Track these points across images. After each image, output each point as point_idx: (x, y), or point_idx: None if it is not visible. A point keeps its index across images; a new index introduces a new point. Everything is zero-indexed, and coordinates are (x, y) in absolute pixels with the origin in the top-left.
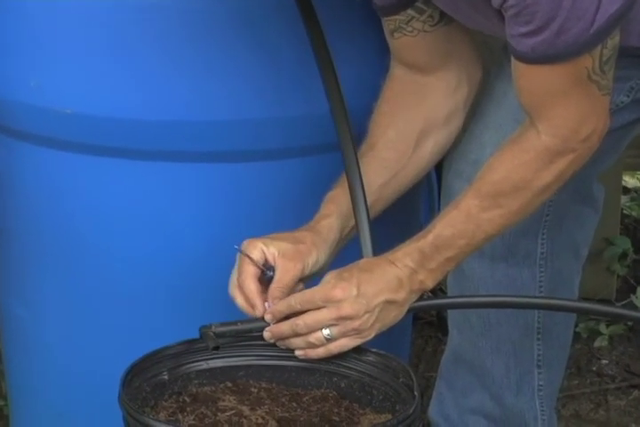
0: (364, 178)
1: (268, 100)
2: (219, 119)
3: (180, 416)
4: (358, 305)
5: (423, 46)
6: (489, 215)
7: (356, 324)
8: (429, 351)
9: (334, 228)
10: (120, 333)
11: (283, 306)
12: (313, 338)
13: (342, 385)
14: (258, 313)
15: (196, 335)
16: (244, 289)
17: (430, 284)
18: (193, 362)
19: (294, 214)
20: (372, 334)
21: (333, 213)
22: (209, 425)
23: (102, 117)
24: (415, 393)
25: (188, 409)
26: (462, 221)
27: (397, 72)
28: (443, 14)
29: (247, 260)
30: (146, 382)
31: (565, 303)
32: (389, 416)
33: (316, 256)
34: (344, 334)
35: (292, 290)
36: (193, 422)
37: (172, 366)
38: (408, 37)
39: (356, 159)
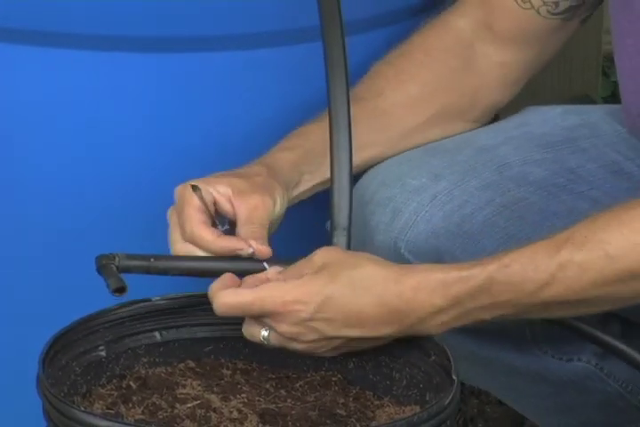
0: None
1: None
2: None
3: (122, 408)
4: (305, 329)
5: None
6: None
7: (298, 346)
8: None
9: (296, 164)
10: (37, 288)
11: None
12: (247, 333)
13: (350, 366)
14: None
15: (147, 294)
16: (194, 238)
17: (436, 332)
18: (141, 332)
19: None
20: (334, 354)
21: (297, 148)
22: (164, 421)
23: None
24: (453, 377)
25: (134, 399)
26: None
27: (460, 24)
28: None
29: (189, 201)
30: (75, 360)
31: None
32: (417, 409)
33: (281, 191)
34: (283, 346)
35: (266, 233)
36: (141, 416)
37: (111, 337)
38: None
39: (346, 67)
